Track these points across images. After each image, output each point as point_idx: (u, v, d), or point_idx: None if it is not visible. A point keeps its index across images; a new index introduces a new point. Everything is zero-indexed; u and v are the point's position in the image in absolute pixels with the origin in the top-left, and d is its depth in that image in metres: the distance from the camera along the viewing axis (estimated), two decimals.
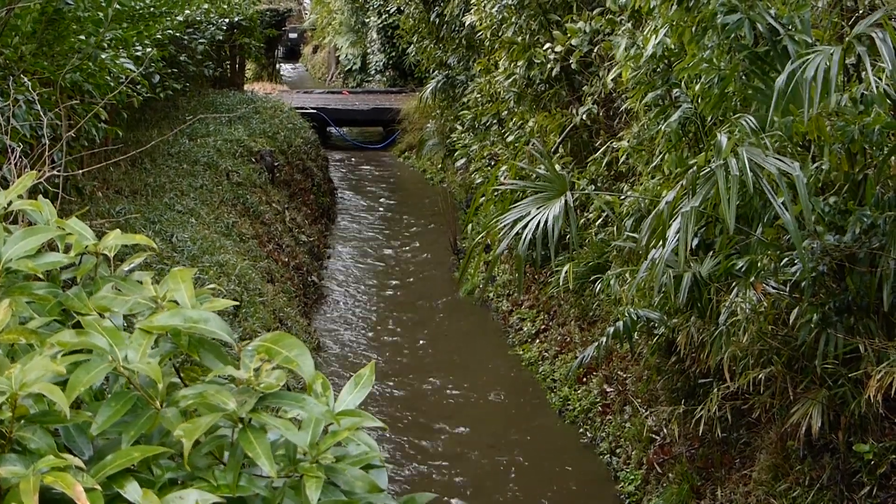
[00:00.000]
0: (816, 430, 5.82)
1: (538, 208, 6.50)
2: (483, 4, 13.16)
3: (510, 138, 12.67)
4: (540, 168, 7.14)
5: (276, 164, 15.12)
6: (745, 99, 5.77)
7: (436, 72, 18.50)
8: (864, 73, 5.55)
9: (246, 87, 22.57)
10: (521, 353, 11.22)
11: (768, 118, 5.18)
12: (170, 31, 12.48)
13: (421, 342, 11.96)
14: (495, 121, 14.34)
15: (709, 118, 6.47)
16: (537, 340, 11.26)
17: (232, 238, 11.35)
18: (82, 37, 7.95)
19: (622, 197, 8.16)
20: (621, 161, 9.07)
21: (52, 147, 4.67)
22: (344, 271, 14.90)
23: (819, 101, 4.88)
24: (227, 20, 17.92)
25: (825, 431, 5.91)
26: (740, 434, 7.19)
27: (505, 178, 8.32)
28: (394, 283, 14.33)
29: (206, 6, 15.99)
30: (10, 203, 2.15)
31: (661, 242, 5.48)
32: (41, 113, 5.32)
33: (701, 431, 6.98)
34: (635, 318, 7.38)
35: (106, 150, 9.95)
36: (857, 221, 5.47)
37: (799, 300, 5.95)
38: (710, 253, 6.50)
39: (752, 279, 6.10)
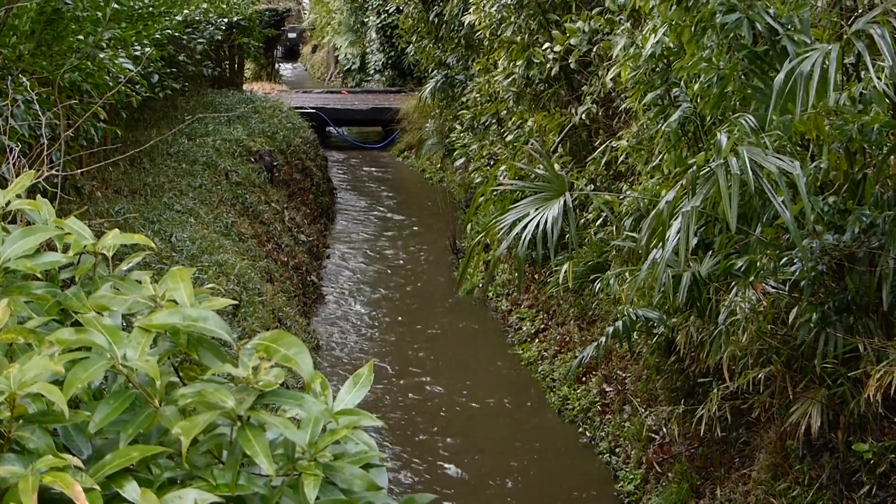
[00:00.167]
0: (816, 430, 5.82)
1: (537, 209, 6.50)
2: (482, 4, 13.15)
3: (509, 138, 12.67)
4: (539, 168, 7.14)
5: (275, 163, 15.12)
6: (745, 98, 5.77)
7: (435, 71, 18.50)
8: (863, 72, 5.56)
9: (245, 86, 22.57)
10: (520, 352, 11.22)
11: (767, 117, 5.18)
12: (168, 31, 12.47)
13: (420, 341, 11.95)
14: (494, 120, 14.35)
15: (708, 118, 6.47)
16: (536, 340, 11.26)
17: (231, 237, 11.35)
18: (81, 36, 7.94)
19: (621, 197, 8.16)
20: (620, 160, 9.07)
21: (50, 146, 4.66)
22: (343, 271, 14.89)
23: (818, 100, 4.88)
24: (225, 20, 17.92)
25: (824, 431, 5.91)
26: (740, 433, 7.19)
27: (504, 177, 8.32)
28: (393, 282, 14.33)
29: (204, 6, 15.99)
30: (8, 203, 2.14)
31: (661, 242, 5.48)
32: (40, 112, 5.32)
33: (700, 431, 6.98)
34: (634, 318, 7.38)
35: (105, 149, 9.95)
36: (856, 221, 5.47)
37: (798, 299, 5.95)
38: (710, 252, 6.50)
39: (751, 278, 6.10)
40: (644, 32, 7.35)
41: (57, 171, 4.28)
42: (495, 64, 13.15)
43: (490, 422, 9.82)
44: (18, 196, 2.18)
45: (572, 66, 10.85)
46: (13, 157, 4.43)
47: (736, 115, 5.44)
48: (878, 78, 5.09)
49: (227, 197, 12.59)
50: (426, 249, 15.87)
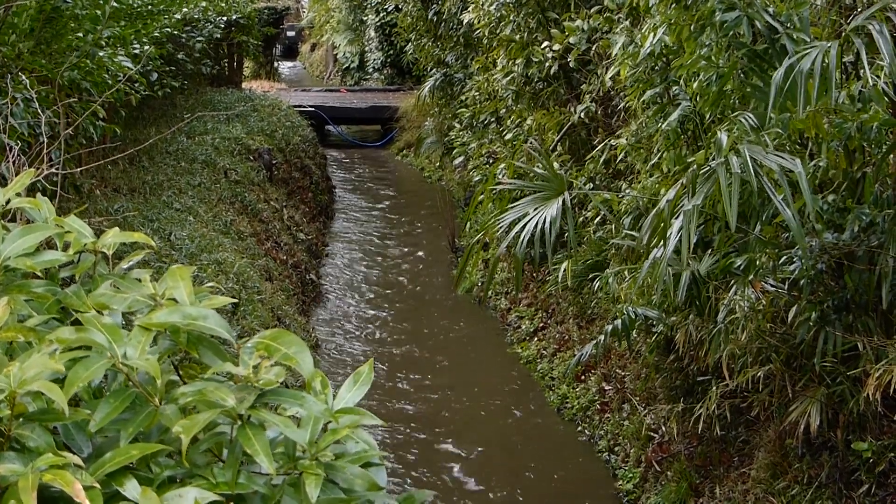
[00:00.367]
0: (815, 429, 5.82)
1: (536, 208, 6.50)
2: (481, 2, 13.15)
3: (508, 136, 12.67)
4: (538, 167, 7.13)
5: (274, 162, 15.12)
6: (744, 97, 5.77)
7: (434, 70, 18.49)
8: (862, 70, 5.56)
9: (244, 85, 22.57)
10: (519, 351, 11.22)
11: (767, 117, 5.17)
12: (168, 29, 12.46)
13: (418, 340, 11.95)
14: (493, 119, 14.34)
15: (707, 116, 6.47)
16: (535, 338, 11.26)
17: (230, 236, 11.35)
18: (80, 35, 7.94)
19: (620, 195, 8.16)
20: (619, 159, 9.07)
21: (50, 145, 4.66)
22: (342, 269, 14.89)
23: (818, 98, 4.88)
24: (224, 18, 17.90)
25: (824, 429, 5.92)
26: (739, 432, 7.19)
27: (503, 176, 8.32)
28: (392, 281, 14.33)
29: (203, 4, 15.98)
30: (8, 201, 2.14)
31: (662, 241, 5.48)
32: (39, 111, 5.32)
33: (699, 429, 6.98)
34: (634, 316, 7.38)
35: (104, 148, 9.95)
36: (855, 219, 5.47)
37: (797, 298, 5.96)
38: (709, 251, 6.50)
39: (750, 277, 6.10)
40: (643, 31, 7.34)
41: (56, 169, 4.28)
42: (494, 62, 13.15)
43: (489, 420, 9.82)
44: (18, 194, 2.18)
45: (571, 64, 10.84)
46: (13, 155, 4.43)
47: (735, 113, 5.44)
48: (877, 76, 5.09)
49: (226, 195, 12.59)
50: (425, 248, 15.87)
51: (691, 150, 6.91)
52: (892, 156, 5.58)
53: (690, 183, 5.09)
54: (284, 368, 1.72)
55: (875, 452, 5.69)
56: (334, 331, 12.14)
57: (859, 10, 5.67)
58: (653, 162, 7.77)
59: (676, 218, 5.18)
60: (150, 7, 10.84)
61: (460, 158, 16.16)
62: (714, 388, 6.77)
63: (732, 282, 6.33)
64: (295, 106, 20.25)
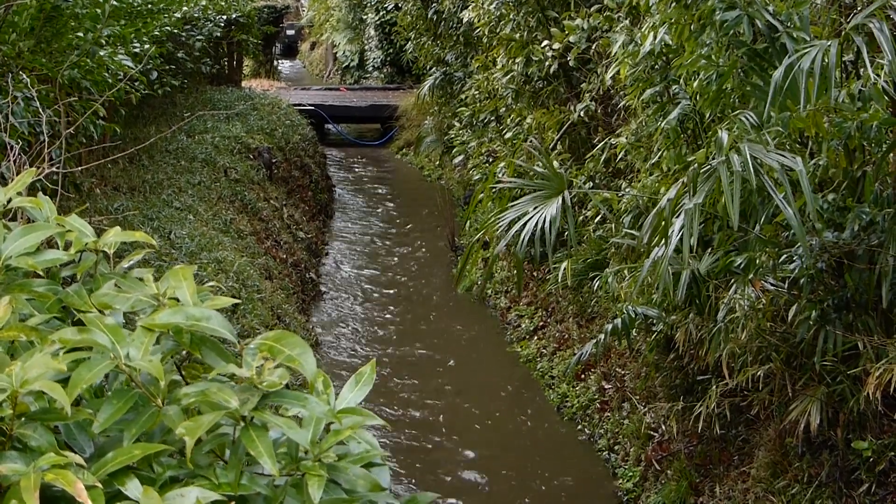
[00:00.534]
0: (815, 427, 5.82)
1: (536, 207, 6.50)
2: (481, 1, 13.14)
3: (508, 135, 12.66)
4: (538, 166, 7.13)
5: (273, 160, 15.12)
6: (744, 96, 5.77)
7: (433, 68, 18.48)
8: (862, 69, 5.56)
9: (244, 83, 22.55)
10: (519, 349, 11.22)
11: (766, 114, 5.17)
12: (167, 28, 12.45)
13: (417, 338, 11.95)
14: (493, 118, 14.33)
15: (707, 115, 6.47)
16: (535, 337, 11.26)
17: (230, 235, 11.35)
18: (80, 33, 7.94)
19: (620, 194, 8.16)
20: (619, 158, 9.06)
21: (50, 144, 4.66)
22: (341, 268, 14.89)
23: (817, 96, 4.88)
24: (224, 17, 17.90)
25: (824, 428, 5.92)
26: (739, 431, 7.19)
27: (503, 175, 8.31)
28: (392, 280, 14.33)
29: (203, 3, 15.97)
30: (9, 200, 2.14)
31: (663, 240, 5.47)
32: (40, 110, 5.32)
33: (699, 428, 6.98)
34: (633, 315, 7.38)
35: (104, 146, 9.94)
36: (855, 218, 5.47)
37: (797, 297, 5.95)
38: (709, 250, 6.50)
39: (750, 276, 6.09)
40: (643, 30, 7.34)
41: (57, 168, 4.28)
42: (494, 61, 13.14)
43: (488, 419, 9.82)
44: (19, 193, 2.18)
45: (571, 63, 10.84)
46: (14, 154, 4.43)
47: (736, 112, 5.44)
48: (877, 75, 5.09)
49: (226, 194, 12.59)
50: (425, 247, 15.87)
51: (691, 149, 6.90)
52: (892, 154, 5.58)
53: (691, 182, 5.09)
54: (287, 370, 1.72)
55: (875, 451, 5.70)
56: (334, 329, 12.14)
57: (859, 8, 5.67)
58: (653, 161, 7.77)
59: (677, 217, 5.18)
60: (150, 6, 10.84)
61: (460, 157, 16.16)
62: (714, 386, 6.77)
63: (732, 280, 6.33)
64: (294, 104, 20.25)
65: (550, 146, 11.15)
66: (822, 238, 5.59)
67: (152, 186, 11.34)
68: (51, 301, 1.95)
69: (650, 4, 6.89)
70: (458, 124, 16.46)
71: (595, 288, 8.98)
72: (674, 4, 6.28)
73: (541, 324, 11.42)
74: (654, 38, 6.86)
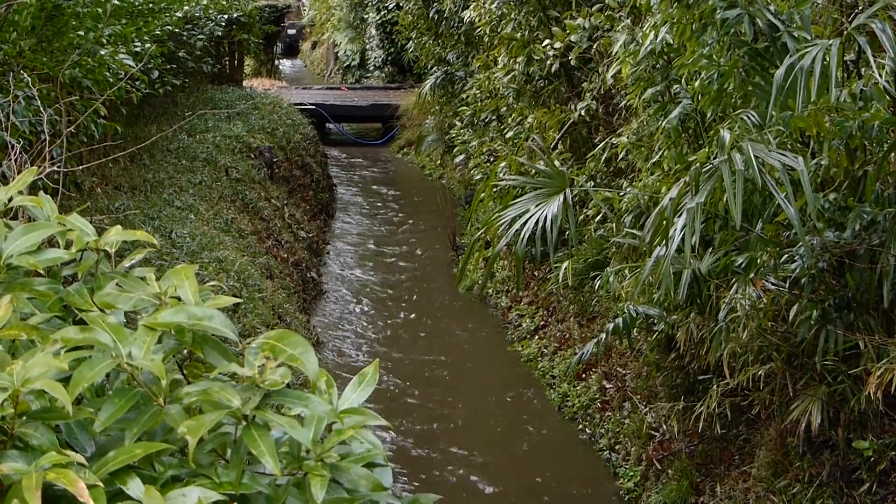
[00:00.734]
0: (816, 427, 5.82)
1: (538, 205, 6.50)
2: (482, 0, 13.15)
3: (509, 134, 12.66)
4: (540, 164, 7.13)
5: (274, 160, 15.12)
6: (745, 95, 5.77)
7: (435, 68, 18.48)
8: (863, 68, 5.56)
9: (245, 83, 22.55)
10: (519, 349, 11.22)
11: (768, 114, 5.17)
12: (168, 27, 12.46)
13: (419, 338, 11.95)
14: (494, 117, 14.33)
15: (708, 114, 6.47)
16: (536, 337, 11.26)
17: (231, 234, 11.35)
18: (81, 32, 7.94)
19: (621, 193, 8.16)
20: (620, 157, 9.06)
21: (51, 143, 4.66)
22: (343, 267, 14.89)
23: (818, 96, 4.88)
24: (225, 16, 17.90)
25: (825, 428, 5.91)
26: (740, 430, 7.19)
27: (504, 174, 8.32)
28: (392, 279, 14.33)
29: (205, 2, 15.97)
30: (10, 199, 2.14)
31: (664, 240, 5.47)
32: (41, 109, 5.32)
33: (700, 428, 6.98)
34: (634, 315, 7.38)
35: (105, 146, 9.94)
36: (856, 218, 5.46)
37: (798, 297, 5.95)
38: (710, 249, 6.50)
39: (751, 275, 6.09)
40: (644, 29, 7.34)
41: (58, 167, 4.28)
42: (495, 60, 13.14)
43: (488, 418, 9.82)
44: (20, 192, 2.18)
45: (572, 62, 10.84)
46: (15, 153, 4.43)
47: (737, 111, 5.44)
48: (879, 75, 5.09)
49: (227, 193, 12.59)
50: (426, 246, 15.87)
51: (692, 149, 6.90)
52: (893, 154, 5.57)
53: (693, 181, 5.08)
54: (289, 369, 1.72)
55: (876, 451, 5.70)
56: (335, 328, 12.14)
57: (861, 8, 5.67)
58: (654, 160, 7.77)
59: (679, 216, 5.18)
60: (151, 5, 10.84)
61: (461, 157, 16.16)
62: (715, 386, 6.77)
63: (733, 280, 6.33)
64: (296, 104, 20.25)
65: (552, 145, 11.15)
66: (824, 237, 5.59)
67: (153, 185, 11.34)
68: (52, 300, 1.95)
69: (651, 4, 6.89)
70: (459, 124, 16.46)
71: (596, 287, 8.98)
72: (675, 4, 6.28)
73: (542, 323, 11.42)
74: (656, 37, 6.86)
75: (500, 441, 9.30)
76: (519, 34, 11.95)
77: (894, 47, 4.68)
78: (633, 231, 7.61)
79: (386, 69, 29.21)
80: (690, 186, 5.11)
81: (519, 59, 11.78)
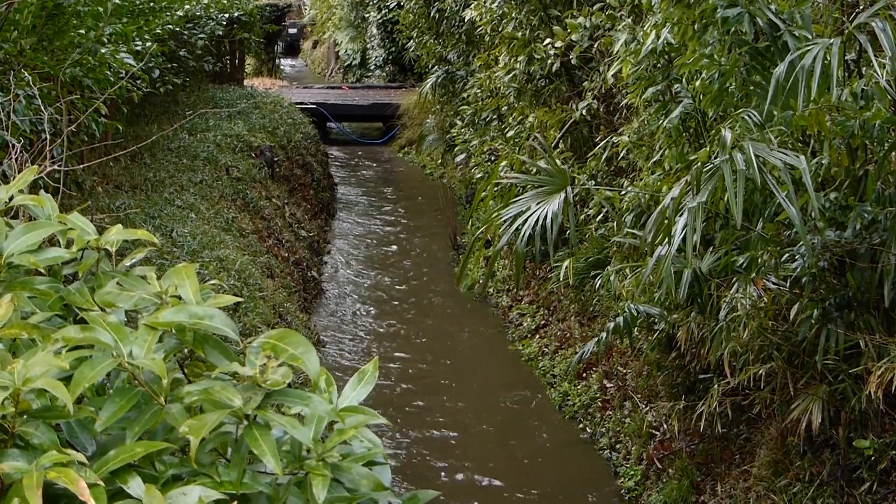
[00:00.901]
0: (817, 426, 5.82)
1: (539, 203, 6.50)
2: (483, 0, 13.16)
3: (510, 134, 12.65)
4: (541, 162, 7.13)
5: (275, 159, 15.12)
6: (746, 95, 5.77)
7: (436, 67, 18.48)
8: (864, 68, 5.56)
9: (245, 82, 22.54)
10: (520, 348, 11.22)
11: (768, 113, 5.17)
12: (169, 26, 12.46)
13: (420, 337, 11.95)
14: (495, 116, 14.33)
15: (709, 114, 6.47)
16: (537, 336, 11.26)
17: (232, 233, 11.35)
18: (82, 31, 7.94)
19: (622, 192, 8.16)
20: (621, 156, 9.06)
21: (52, 142, 4.66)
22: (343, 266, 14.89)
23: (819, 95, 4.88)
24: (226, 15, 17.91)
25: (825, 427, 5.91)
26: (740, 430, 7.19)
27: (506, 173, 8.31)
28: (393, 278, 14.33)
29: (205, 1, 15.98)
30: (11, 198, 2.14)
31: (665, 239, 5.47)
32: (41, 108, 5.32)
33: (701, 427, 6.97)
34: (635, 314, 7.38)
35: (106, 144, 9.94)
36: (857, 217, 5.46)
37: (799, 296, 5.95)
38: (710, 248, 6.50)
39: (752, 275, 6.09)
40: (645, 28, 7.34)
41: (59, 166, 4.28)
42: (496, 60, 13.14)
43: (489, 417, 9.82)
44: (21, 191, 2.18)
45: (573, 61, 10.83)
46: (15, 152, 4.43)
47: (738, 110, 5.44)
48: (879, 74, 5.09)
49: (228, 192, 12.59)
50: (426, 245, 15.87)
51: (693, 148, 6.90)
52: (894, 153, 5.57)
53: (695, 180, 5.08)
54: (290, 368, 1.72)
55: (877, 450, 5.69)
56: (335, 327, 12.14)
57: (861, 7, 5.67)
58: (655, 159, 7.77)
59: (681, 215, 5.17)
60: (152, 4, 10.85)
61: (462, 156, 16.15)
62: (715, 385, 6.76)
63: (734, 279, 6.33)
64: (297, 103, 20.25)
65: (552, 145, 11.14)
66: (824, 237, 5.59)
67: (154, 184, 11.34)
68: (52, 299, 1.95)
69: (652, 3, 6.89)
70: (459, 123, 16.46)
71: (597, 286, 8.97)
72: (676, 3, 6.28)
73: (542, 322, 11.42)
74: (657, 36, 6.86)
75: (500, 440, 9.30)
76: (520, 33, 11.95)
77: (893, 47, 4.68)
78: (634, 231, 7.61)
79: (387, 68, 29.20)
80: (692, 186, 5.11)
81: (520, 59, 11.78)
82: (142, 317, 1.82)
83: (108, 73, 8.24)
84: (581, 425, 9.29)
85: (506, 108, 13.28)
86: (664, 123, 7.07)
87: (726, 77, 5.72)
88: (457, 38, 17.41)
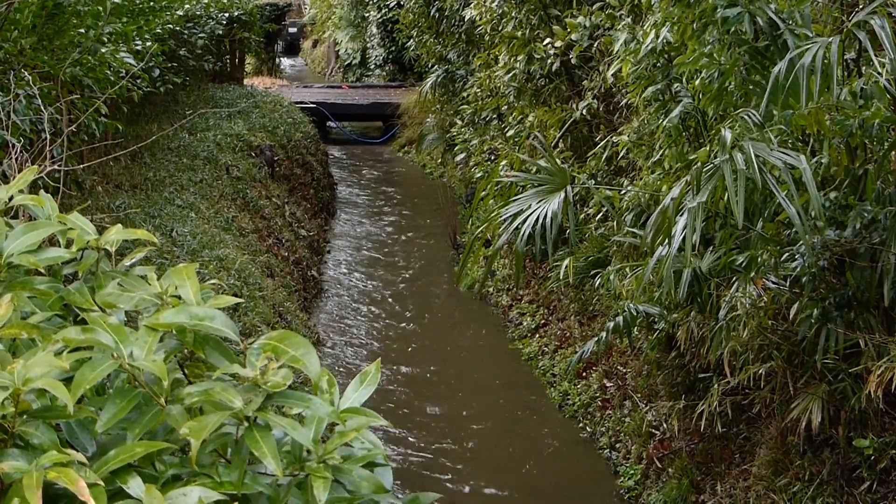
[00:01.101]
0: (816, 426, 5.82)
1: (538, 202, 6.50)
2: None
3: (510, 133, 12.65)
4: (541, 161, 7.13)
5: (275, 158, 15.11)
6: (746, 94, 5.77)
7: (435, 66, 18.48)
8: (864, 67, 5.56)
9: (245, 81, 22.53)
10: (520, 347, 11.22)
11: (767, 112, 5.17)
12: (169, 26, 12.47)
13: (419, 336, 11.95)
14: (495, 115, 14.33)
15: (709, 113, 6.47)
16: (537, 335, 11.26)
17: (232, 232, 11.35)
18: (82, 31, 7.94)
19: (622, 192, 8.16)
20: (621, 156, 9.06)
21: (52, 142, 4.66)
22: (343, 265, 14.89)
23: (819, 94, 4.88)
24: (226, 14, 17.91)
25: (825, 426, 5.91)
26: (740, 429, 7.19)
27: (505, 172, 8.31)
28: (393, 277, 14.33)
29: (205, 0, 15.97)
30: (11, 198, 2.15)
31: (666, 239, 5.47)
32: (41, 107, 5.32)
33: (701, 426, 6.98)
34: (635, 313, 7.38)
35: (106, 144, 9.95)
36: (857, 216, 5.46)
37: (799, 295, 5.95)
38: (710, 248, 6.50)
39: (752, 274, 6.09)
40: (645, 27, 7.34)
41: (59, 166, 4.28)
42: (496, 59, 13.14)
43: (489, 416, 9.83)
44: (21, 191, 2.18)
45: (573, 61, 10.83)
46: (15, 152, 4.43)
47: (738, 110, 5.44)
48: (878, 74, 5.09)
49: (228, 192, 12.59)
50: (426, 244, 15.88)
51: (693, 148, 6.91)
52: (893, 153, 5.57)
53: (695, 180, 5.08)
54: (291, 370, 1.72)
55: (876, 449, 5.70)
56: (335, 327, 12.14)
57: (861, 6, 5.67)
58: (654, 159, 7.77)
59: (681, 215, 5.17)
60: (152, 3, 10.85)
61: (462, 155, 16.15)
62: (715, 384, 6.77)
63: (734, 279, 6.33)
64: (296, 102, 20.25)
65: (552, 144, 11.14)
66: (824, 236, 5.59)
67: (154, 184, 11.35)
68: (52, 299, 1.95)
69: (652, 2, 6.89)
70: (459, 122, 16.45)
71: (597, 286, 8.98)
72: (676, 2, 6.28)
73: (542, 322, 11.42)
74: (656, 35, 6.86)
75: (499, 439, 9.30)
76: (520, 32, 11.95)
77: (893, 45, 4.68)
78: (634, 230, 7.61)
79: (387, 67, 29.20)
80: (692, 186, 5.11)
81: (520, 58, 11.78)
82: (142, 317, 1.82)
83: (109, 72, 8.24)
84: (581, 424, 9.30)
85: (506, 107, 13.29)
86: (664, 123, 7.08)
87: (726, 76, 5.72)
88: (457, 38, 17.41)
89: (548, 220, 6.23)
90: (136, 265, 2.12)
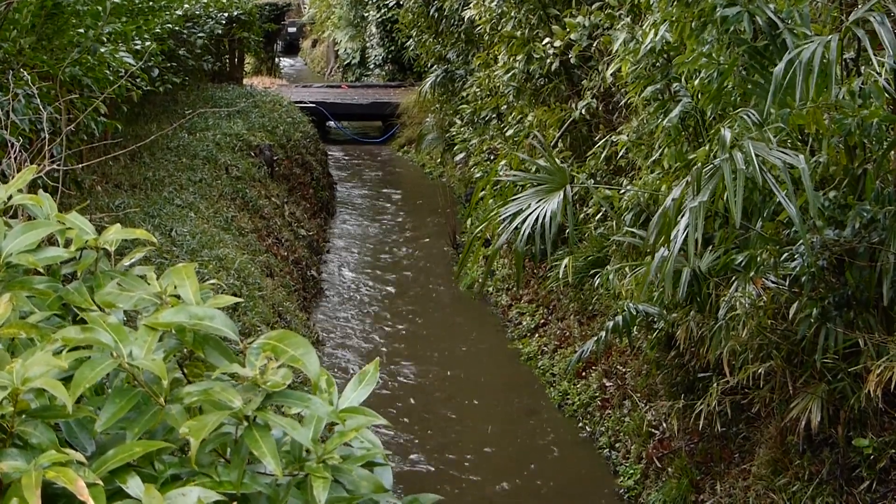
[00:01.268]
0: (816, 425, 5.82)
1: (538, 201, 6.50)
2: None
3: (509, 133, 12.66)
4: (540, 160, 7.13)
5: (275, 158, 15.11)
6: (745, 94, 5.77)
7: (435, 66, 18.48)
8: (862, 66, 5.56)
9: (245, 81, 22.53)
10: (520, 347, 11.22)
11: (767, 111, 5.17)
12: (169, 26, 12.46)
13: (419, 336, 11.95)
14: (494, 115, 14.34)
15: (708, 113, 6.47)
16: (536, 335, 11.26)
17: (231, 232, 11.35)
18: (81, 30, 7.94)
19: (621, 191, 8.16)
20: (620, 155, 9.06)
21: (51, 141, 4.66)
22: (343, 265, 14.89)
23: (818, 93, 4.88)
24: (226, 14, 17.90)
25: (825, 426, 5.91)
26: (740, 428, 7.19)
27: (505, 171, 8.31)
28: (392, 276, 14.33)
29: (205, 0, 15.97)
30: (10, 197, 2.14)
31: (667, 240, 5.47)
32: (40, 107, 5.32)
33: (700, 426, 6.98)
34: (634, 313, 7.38)
35: (105, 144, 9.95)
36: (856, 216, 5.46)
37: (798, 295, 5.95)
38: (710, 247, 6.50)
39: (751, 274, 6.09)
40: (644, 27, 7.34)
41: (58, 165, 4.28)
42: (495, 59, 13.14)
43: (488, 416, 9.82)
44: (20, 191, 2.18)
45: (572, 60, 10.84)
46: (14, 151, 4.43)
47: (738, 110, 5.43)
48: (878, 73, 5.09)
49: (228, 191, 12.59)
50: (426, 244, 15.87)
51: (692, 147, 6.91)
52: (892, 152, 5.57)
53: (695, 180, 5.08)
54: (290, 370, 1.72)
55: (876, 449, 5.70)
56: (335, 326, 12.14)
57: (860, 6, 5.67)
58: (654, 158, 7.77)
59: (682, 216, 5.17)
60: (151, 3, 10.84)
61: (461, 155, 16.15)
62: (715, 384, 6.77)
63: (733, 278, 6.33)
64: (296, 102, 20.24)
65: (552, 143, 11.14)
66: (823, 236, 5.59)
67: (153, 184, 11.34)
68: (51, 298, 1.95)
69: (651, 2, 6.89)
70: (459, 122, 16.46)
71: (596, 285, 8.98)
72: (675, 2, 6.28)
73: (542, 321, 11.42)
74: (656, 35, 6.86)
75: (499, 439, 9.30)
76: (519, 32, 11.95)
77: (892, 42, 4.67)
78: (633, 230, 7.61)
79: (386, 67, 29.19)
80: (692, 186, 5.11)
81: (519, 58, 11.79)
82: (141, 317, 1.81)
83: (108, 72, 8.24)
84: (580, 424, 9.30)
85: (505, 107, 13.29)
86: (663, 122, 7.08)
87: (725, 76, 5.72)
88: (456, 37, 17.41)
89: (547, 219, 6.23)
90: (135, 265, 2.12)
